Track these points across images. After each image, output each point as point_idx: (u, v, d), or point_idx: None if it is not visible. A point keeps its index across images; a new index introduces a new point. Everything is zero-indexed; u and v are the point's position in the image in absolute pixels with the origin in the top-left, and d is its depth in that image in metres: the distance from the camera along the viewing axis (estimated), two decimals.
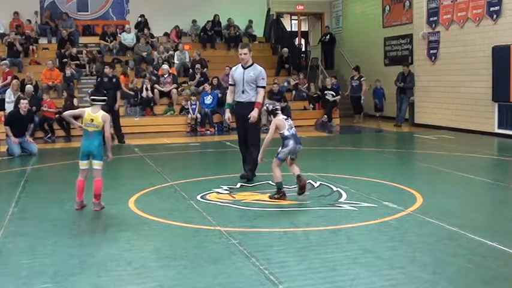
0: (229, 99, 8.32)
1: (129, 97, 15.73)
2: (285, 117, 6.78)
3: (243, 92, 7.95)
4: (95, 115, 6.33)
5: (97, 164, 6.35)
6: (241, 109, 8.00)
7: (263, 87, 7.98)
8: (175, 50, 18.41)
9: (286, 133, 6.63)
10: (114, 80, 13.10)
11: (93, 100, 6.49)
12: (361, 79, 17.68)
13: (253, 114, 7.78)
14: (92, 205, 6.37)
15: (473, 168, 9.14)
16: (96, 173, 6.34)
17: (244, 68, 7.98)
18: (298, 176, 6.68)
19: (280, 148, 6.71)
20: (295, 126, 6.85)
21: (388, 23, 18.44)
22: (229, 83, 8.29)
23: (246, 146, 8.11)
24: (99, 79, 13.13)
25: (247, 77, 7.92)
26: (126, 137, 13.13)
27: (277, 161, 6.67)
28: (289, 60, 19.20)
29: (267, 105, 6.92)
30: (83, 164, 6.39)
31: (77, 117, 6.75)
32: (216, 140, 13.85)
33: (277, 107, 6.85)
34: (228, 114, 8.47)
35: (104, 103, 6.56)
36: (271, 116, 6.80)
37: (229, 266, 4.46)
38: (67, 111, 7.05)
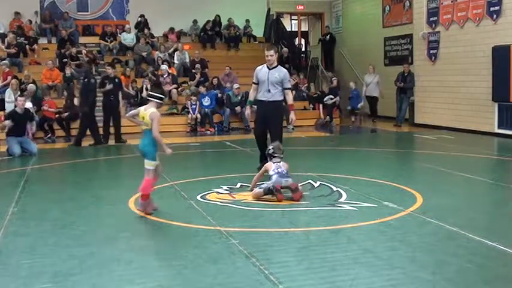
0: (251, 96, 8.67)
1: (129, 97, 15.74)
2: (279, 160, 7.03)
3: (268, 91, 8.27)
4: (145, 112, 6.07)
5: (147, 164, 6.17)
6: (263, 107, 8.35)
7: (290, 88, 8.44)
8: (175, 50, 18.41)
9: (271, 173, 6.87)
10: (116, 80, 13.15)
11: (149, 96, 6.22)
12: (332, 78, 17.64)
13: (292, 117, 8.39)
14: (137, 204, 6.31)
15: (473, 168, 9.15)
16: (145, 172, 6.19)
17: (270, 69, 8.30)
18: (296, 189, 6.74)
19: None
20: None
21: (388, 23, 18.44)
22: (253, 81, 8.58)
23: (263, 142, 8.43)
24: (85, 80, 13.11)
25: (272, 78, 8.25)
26: (126, 137, 13.10)
27: (259, 190, 6.76)
28: (289, 60, 19.20)
29: (270, 147, 7.26)
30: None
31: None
32: (216, 140, 13.85)
33: (275, 155, 7.10)
34: (248, 111, 8.95)
35: (160, 101, 6.19)
36: (268, 157, 7.18)
37: (229, 266, 4.46)
38: (128, 113, 6.67)
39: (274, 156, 7.09)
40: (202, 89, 15.82)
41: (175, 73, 17.13)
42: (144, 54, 17.98)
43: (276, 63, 8.33)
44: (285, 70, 8.50)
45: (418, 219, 5.80)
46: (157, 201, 6.93)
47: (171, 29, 19.73)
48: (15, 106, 11.98)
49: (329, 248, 4.86)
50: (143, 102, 15.66)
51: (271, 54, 8.24)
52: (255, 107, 8.67)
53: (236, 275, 4.27)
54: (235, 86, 15.93)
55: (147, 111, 6.04)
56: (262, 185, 6.81)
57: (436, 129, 14.55)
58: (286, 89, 8.33)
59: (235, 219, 6.02)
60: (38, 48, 18.10)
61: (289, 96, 8.42)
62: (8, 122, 11.26)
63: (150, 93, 6.24)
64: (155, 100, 6.12)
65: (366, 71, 19.44)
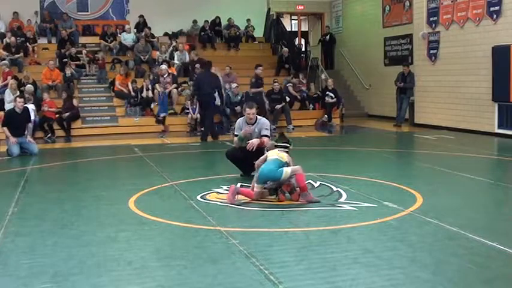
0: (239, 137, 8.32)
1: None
2: (282, 150, 7.00)
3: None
4: (281, 154, 6.73)
5: (287, 174, 6.57)
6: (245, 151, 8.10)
7: (268, 136, 8.06)
8: (176, 50, 18.37)
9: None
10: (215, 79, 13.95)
11: (277, 147, 6.92)
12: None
13: (254, 142, 7.95)
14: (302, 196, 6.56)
15: (473, 168, 9.15)
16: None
17: (250, 124, 8.18)
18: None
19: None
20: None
21: (388, 23, 18.44)
22: (235, 133, 8.43)
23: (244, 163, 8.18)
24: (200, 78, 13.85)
25: (253, 134, 8.12)
26: (126, 136, 13.11)
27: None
28: (289, 60, 19.19)
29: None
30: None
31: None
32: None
33: (279, 144, 7.06)
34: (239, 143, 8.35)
35: (287, 149, 6.93)
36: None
37: (229, 266, 4.46)
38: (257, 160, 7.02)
39: (278, 146, 6.95)
40: None
41: (175, 73, 17.10)
42: (144, 55, 17.91)
43: (255, 119, 8.17)
44: (264, 120, 8.27)
45: (418, 219, 5.79)
46: (157, 201, 6.96)
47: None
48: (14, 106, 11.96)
49: (329, 248, 4.86)
50: (142, 102, 15.78)
51: (253, 113, 8.12)
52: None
53: (236, 275, 4.27)
54: (234, 85, 15.91)
55: (281, 154, 6.77)
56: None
57: (436, 129, 14.55)
58: (264, 136, 8.00)
59: (235, 219, 6.03)
60: (37, 48, 18.09)
61: (265, 141, 7.90)
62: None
63: (277, 144, 6.98)
64: (284, 149, 6.89)
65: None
